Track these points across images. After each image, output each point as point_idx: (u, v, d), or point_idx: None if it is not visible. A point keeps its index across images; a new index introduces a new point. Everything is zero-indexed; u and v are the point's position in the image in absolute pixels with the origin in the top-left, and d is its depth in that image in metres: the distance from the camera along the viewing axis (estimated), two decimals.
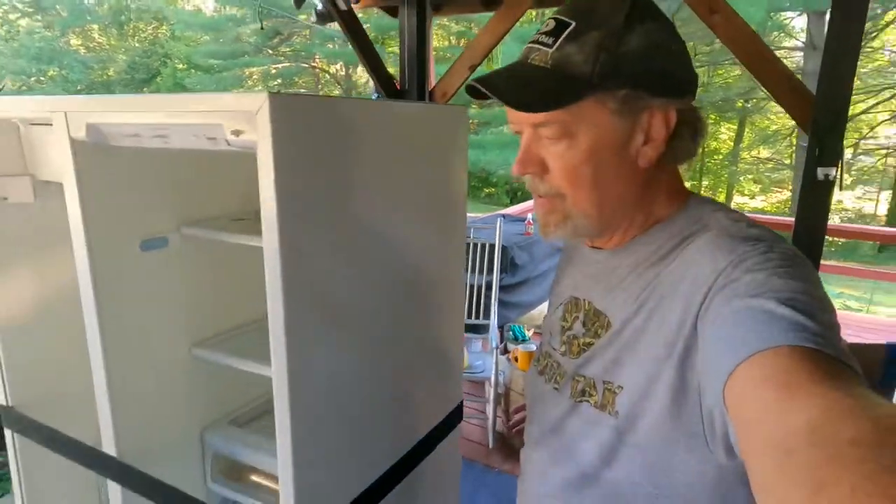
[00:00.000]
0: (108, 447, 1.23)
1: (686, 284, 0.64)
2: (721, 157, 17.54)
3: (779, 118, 14.82)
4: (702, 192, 11.25)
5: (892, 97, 12.92)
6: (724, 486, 0.63)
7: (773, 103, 9.66)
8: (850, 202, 15.68)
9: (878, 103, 13.04)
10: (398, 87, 3.22)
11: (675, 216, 0.73)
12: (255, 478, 1.41)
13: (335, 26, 3.13)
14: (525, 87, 0.66)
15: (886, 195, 15.55)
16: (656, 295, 0.68)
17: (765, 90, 2.14)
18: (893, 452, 0.31)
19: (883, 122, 13.87)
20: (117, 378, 1.20)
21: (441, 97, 3.25)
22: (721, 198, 15.73)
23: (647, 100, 0.67)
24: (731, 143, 17.18)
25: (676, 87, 0.68)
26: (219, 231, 1.23)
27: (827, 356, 0.46)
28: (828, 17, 1.93)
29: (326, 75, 23.03)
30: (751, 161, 17.14)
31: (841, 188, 1.90)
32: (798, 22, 12.38)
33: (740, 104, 15.21)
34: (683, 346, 0.61)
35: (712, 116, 15.20)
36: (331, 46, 19.33)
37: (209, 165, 1.35)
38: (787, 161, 15.62)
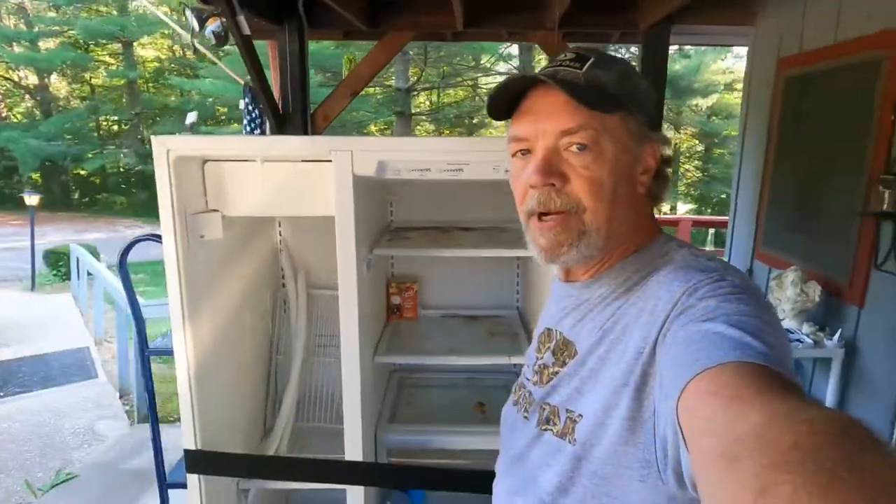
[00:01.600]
0: (355, 453, 1.48)
1: (646, 315, 0.67)
2: None
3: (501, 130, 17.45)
4: None
5: None
6: None
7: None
8: None
9: None
10: (280, 112, 3.16)
11: (643, 250, 0.76)
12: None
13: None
14: (577, 90, 0.68)
15: None
16: (620, 325, 0.70)
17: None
18: (829, 453, 0.34)
19: None
20: (351, 386, 1.43)
21: (323, 120, 3.30)
22: None
23: (649, 132, 0.74)
24: None
25: (660, 128, 0.78)
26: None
27: (771, 371, 0.49)
28: None
29: (7, 83, 18.75)
30: None
31: None
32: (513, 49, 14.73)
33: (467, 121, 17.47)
34: (641, 372, 0.64)
35: (445, 131, 17.12)
36: (16, 49, 15.89)
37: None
38: None
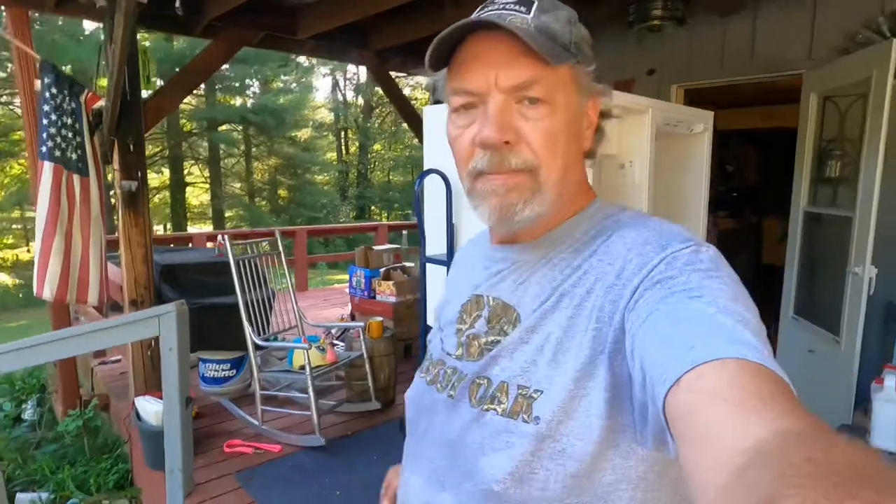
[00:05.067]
0: None
1: (611, 277, 0.62)
2: None
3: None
4: None
5: None
6: (644, 486, 0.61)
7: None
8: None
9: None
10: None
11: (586, 210, 0.71)
12: None
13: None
14: (531, 38, 0.60)
15: None
16: (580, 288, 0.64)
17: None
18: (849, 470, 0.31)
19: None
20: None
21: (155, 111, 3.13)
22: None
23: (593, 84, 0.68)
24: None
25: (600, 80, 0.70)
26: None
27: (770, 374, 0.46)
28: None
29: None
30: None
31: None
32: None
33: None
34: (612, 339, 0.59)
35: None
36: None
37: None
38: None
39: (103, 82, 2.92)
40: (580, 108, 0.68)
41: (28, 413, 4.03)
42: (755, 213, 6.22)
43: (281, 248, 3.33)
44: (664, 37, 3.57)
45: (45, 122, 2.84)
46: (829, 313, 2.87)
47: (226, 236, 3.15)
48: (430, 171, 2.07)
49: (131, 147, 2.94)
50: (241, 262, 3.08)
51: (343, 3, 3.21)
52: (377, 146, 19.81)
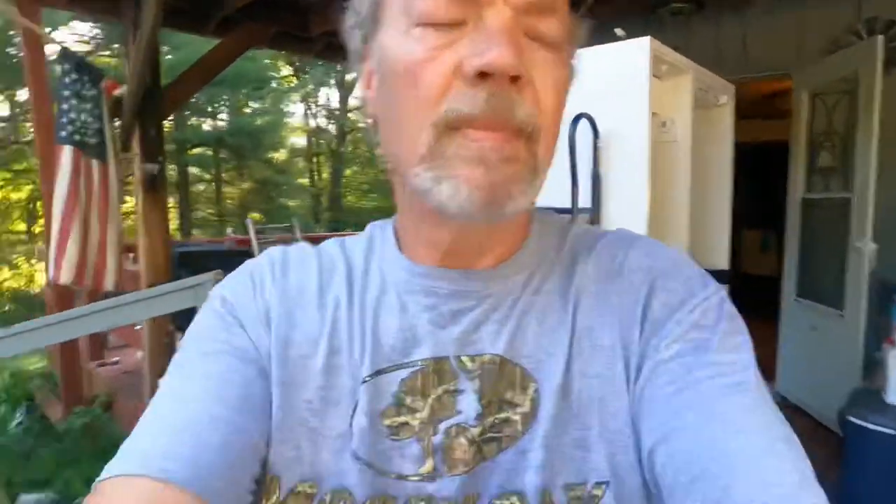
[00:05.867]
0: None
1: (618, 310, 0.45)
2: None
3: None
4: None
5: None
6: None
7: None
8: None
9: None
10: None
11: (534, 215, 0.51)
12: None
13: None
14: None
15: None
16: (588, 325, 0.45)
17: None
18: None
19: None
20: None
21: (172, 101, 3.15)
22: None
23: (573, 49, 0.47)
24: None
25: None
26: None
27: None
28: None
29: None
30: None
31: None
32: None
33: None
34: (625, 376, 0.43)
35: None
36: None
37: None
38: None
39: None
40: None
41: (17, 420, 3.85)
42: (735, 225, 6.54)
43: (299, 238, 3.36)
44: (671, 28, 3.76)
45: (64, 106, 2.82)
46: (830, 291, 3.05)
47: (249, 220, 3.16)
48: (581, 116, 1.74)
49: (153, 132, 2.95)
50: (263, 246, 3.09)
51: None
52: (349, 171, 19.91)
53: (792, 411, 3.28)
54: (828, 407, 2.68)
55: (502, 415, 0.44)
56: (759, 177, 5.56)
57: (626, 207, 1.72)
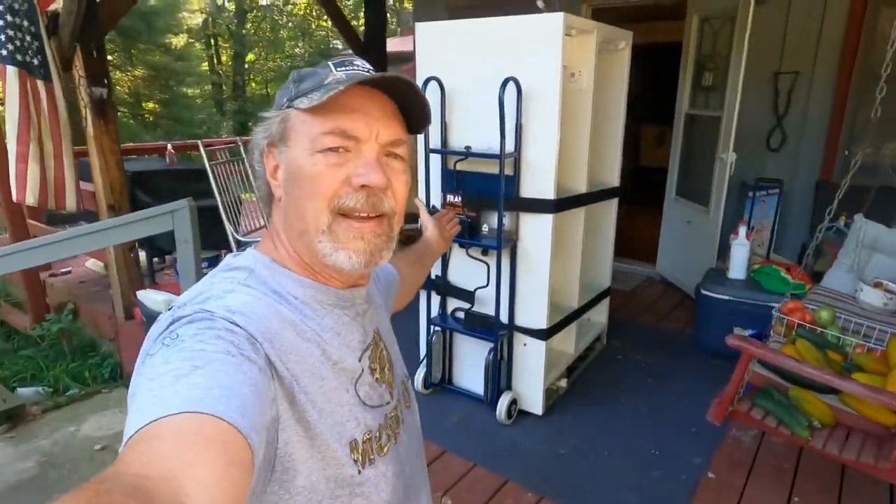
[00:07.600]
0: None
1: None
2: None
3: None
4: None
5: None
6: None
7: None
8: None
9: None
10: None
11: None
12: None
13: None
14: (420, 109, 0.72)
15: None
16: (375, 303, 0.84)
17: None
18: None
19: None
20: None
21: (111, 19, 3.11)
22: None
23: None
24: None
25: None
26: None
27: None
28: None
29: None
30: None
31: None
32: None
33: None
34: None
35: None
36: None
37: None
38: None
39: None
40: None
41: None
42: (634, 121, 7.16)
43: (244, 156, 3.56)
44: None
45: (0, 23, 2.76)
46: (701, 191, 3.78)
47: (200, 143, 3.32)
48: (430, 79, 2.33)
49: (94, 53, 2.96)
50: (214, 168, 3.30)
51: None
52: (251, 56, 18.58)
53: (667, 286, 4.14)
54: (692, 283, 3.46)
55: (389, 355, 0.83)
56: (656, 75, 6.08)
57: (541, 149, 2.23)
